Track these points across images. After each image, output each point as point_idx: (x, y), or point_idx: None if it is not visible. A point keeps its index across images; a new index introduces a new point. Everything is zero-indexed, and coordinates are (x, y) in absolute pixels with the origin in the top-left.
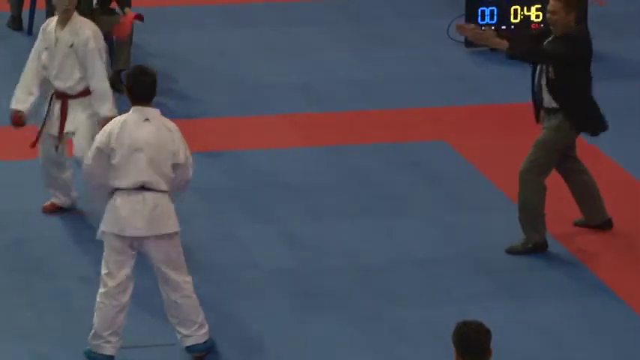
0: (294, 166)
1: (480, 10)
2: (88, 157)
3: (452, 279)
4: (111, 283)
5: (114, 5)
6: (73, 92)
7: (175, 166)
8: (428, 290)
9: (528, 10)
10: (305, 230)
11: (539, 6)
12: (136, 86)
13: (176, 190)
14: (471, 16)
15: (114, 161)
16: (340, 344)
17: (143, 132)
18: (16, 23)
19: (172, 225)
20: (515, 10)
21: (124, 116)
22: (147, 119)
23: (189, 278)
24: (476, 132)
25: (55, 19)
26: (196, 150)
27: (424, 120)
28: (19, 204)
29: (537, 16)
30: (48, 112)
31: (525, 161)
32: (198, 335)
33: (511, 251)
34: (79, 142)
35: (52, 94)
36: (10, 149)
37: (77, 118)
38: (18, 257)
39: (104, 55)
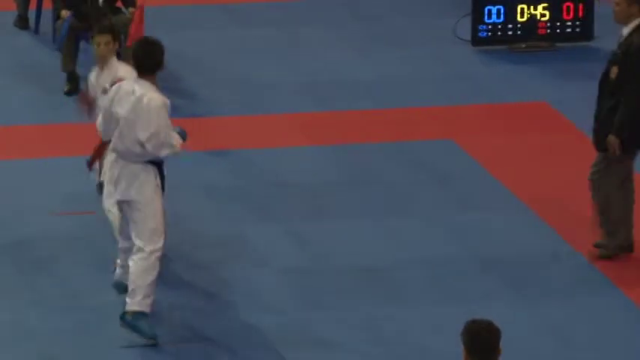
0: (300, 166)
1: (486, 9)
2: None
3: (459, 278)
4: None
5: (119, 4)
6: None
7: (141, 142)
8: (435, 290)
9: (535, 8)
10: (311, 229)
11: (546, 5)
12: (135, 57)
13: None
14: (477, 15)
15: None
16: (347, 343)
17: (125, 105)
18: (22, 22)
19: (136, 193)
20: (522, 9)
21: (122, 83)
22: (134, 91)
23: (147, 247)
24: (483, 131)
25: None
26: (203, 149)
27: (431, 119)
28: (26, 203)
29: (543, 15)
30: None
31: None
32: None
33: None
34: None
35: None
36: (15, 148)
37: None
38: (25, 257)
39: None
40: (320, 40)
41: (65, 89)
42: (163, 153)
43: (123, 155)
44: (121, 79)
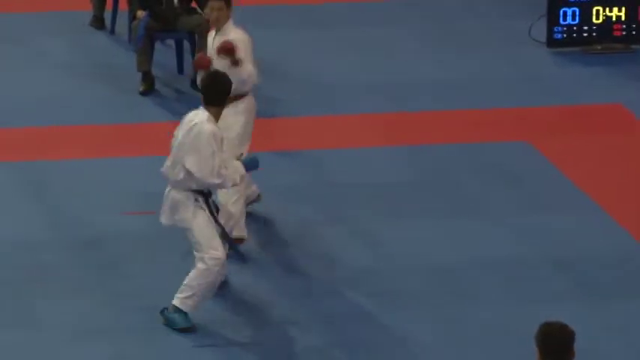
0: (372, 166)
1: (561, 11)
2: None
3: (531, 279)
4: None
5: (193, 5)
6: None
7: (187, 170)
8: (506, 290)
9: (610, 10)
10: (384, 230)
11: (622, 7)
12: (202, 87)
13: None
14: (552, 17)
15: None
16: (420, 343)
17: (181, 131)
18: (98, 23)
19: (176, 218)
20: (597, 11)
21: (192, 112)
22: (192, 119)
23: (205, 255)
24: (558, 133)
25: None
26: (276, 149)
27: (506, 121)
28: (98, 203)
29: (619, 17)
30: None
31: None
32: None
33: None
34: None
35: None
36: (89, 147)
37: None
38: (96, 256)
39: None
40: (393, 40)
41: (140, 89)
42: (211, 182)
43: (170, 181)
44: (227, 41)
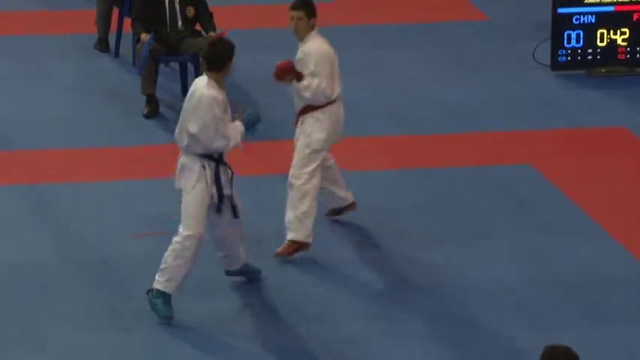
0: (380, 189)
1: (566, 34)
2: None
3: (538, 303)
4: None
5: (198, 28)
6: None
7: (191, 135)
8: (514, 314)
9: (615, 33)
10: (392, 253)
11: (626, 30)
12: (203, 55)
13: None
14: (557, 40)
15: None
16: None
17: (187, 98)
18: (103, 45)
19: (181, 182)
20: (602, 34)
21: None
22: (194, 87)
23: (183, 232)
24: (562, 156)
25: None
26: (284, 172)
27: (510, 143)
28: (105, 224)
29: (624, 40)
30: None
31: None
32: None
33: None
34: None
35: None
36: (94, 170)
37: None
38: (104, 277)
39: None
40: (401, 63)
41: (144, 112)
42: (216, 145)
43: (179, 145)
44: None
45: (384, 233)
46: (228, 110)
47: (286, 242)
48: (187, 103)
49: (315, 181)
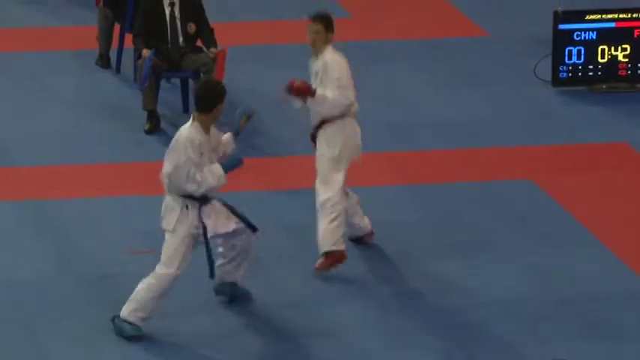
0: (381, 204)
1: (567, 50)
2: None
3: (537, 318)
4: None
5: (199, 44)
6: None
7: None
8: (514, 330)
9: (616, 49)
10: (392, 268)
11: (627, 46)
12: (195, 94)
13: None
14: (558, 56)
15: None
16: None
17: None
18: (104, 61)
19: (164, 222)
20: (603, 50)
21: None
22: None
23: (159, 269)
24: (563, 171)
25: None
26: (284, 188)
27: (511, 159)
28: (106, 240)
29: (625, 56)
30: None
31: None
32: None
33: None
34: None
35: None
36: (95, 186)
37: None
38: (104, 293)
39: None
40: (401, 79)
41: (146, 128)
42: (187, 188)
43: (163, 185)
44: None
45: (386, 248)
46: (209, 153)
47: (320, 257)
48: (170, 144)
49: (341, 192)
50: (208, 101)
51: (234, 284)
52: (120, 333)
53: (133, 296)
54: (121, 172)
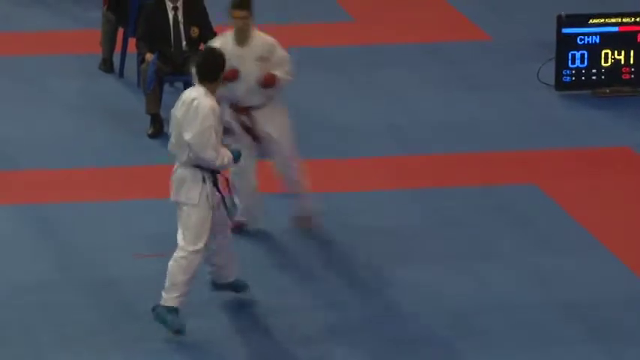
0: (384, 209)
1: (570, 54)
2: None
3: (541, 323)
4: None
5: (202, 48)
6: None
7: (187, 144)
8: (518, 334)
9: (619, 53)
10: (395, 273)
11: (631, 50)
12: (196, 65)
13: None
14: (561, 60)
15: None
16: None
17: (181, 108)
18: (107, 66)
19: (184, 195)
20: (606, 54)
21: (187, 90)
22: (190, 95)
23: (188, 247)
24: (566, 175)
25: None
26: (285, 191)
27: (514, 163)
28: (109, 244)
29: (628, 61)
30: None
31: None
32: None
33: None
34: None
35: None
36: (99, 190)
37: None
38: (107, 297)
39: None
40: (404, 83)
41: (149, 132)
42: (207, 155)
43: (176, 157)
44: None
45: (388, 252)
46: (221, 126)
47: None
48: (185, 114)
49: None
50: (213, 69)
51: (235, 280)
52: (165, 324)
53: (169, 283)
54: (124, 176)
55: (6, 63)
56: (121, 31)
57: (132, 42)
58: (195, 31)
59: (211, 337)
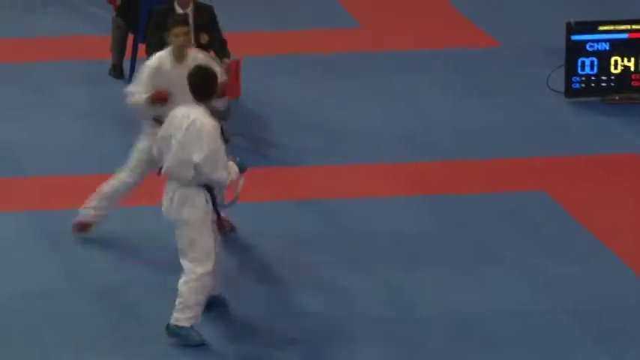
0: (394, 215)
1: (580, 61)
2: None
3: (549, 329)
4: None
5: (212, 54)
6: None
7: (195, 165)
8: (524, 339)
9: (628, 60)
10: (403, 279)
11: None
12: (191, 83)
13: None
14: (571, 67)
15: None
16: None
17: (180, 128)
18: (117, 71)
19: (184, 214)
20: (616, 61)
21: (178, 108)
22: (189, 115)
23: (199, 269)
24: (576, 182)
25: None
26: (295, 198)
27: (524, 170)
28: (115, 252)
29: (637, 67)
30: None
31: None
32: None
33: None
34: None
35: None
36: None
37: None
38: (113, 303)
39: None
40: (414, 89)
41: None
42: (218, 176)
43: (177, 178)
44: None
45: (399, 258)
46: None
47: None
48: (185, 135)
49: None
50: (209, 87)
51: (215, 296)
52: (186, 341)
53: (182, 304)
54: None
55: (15, 69)
56: (130, 37)
57: (142, 48)
58: (204, 38)
59: (216, 341)
